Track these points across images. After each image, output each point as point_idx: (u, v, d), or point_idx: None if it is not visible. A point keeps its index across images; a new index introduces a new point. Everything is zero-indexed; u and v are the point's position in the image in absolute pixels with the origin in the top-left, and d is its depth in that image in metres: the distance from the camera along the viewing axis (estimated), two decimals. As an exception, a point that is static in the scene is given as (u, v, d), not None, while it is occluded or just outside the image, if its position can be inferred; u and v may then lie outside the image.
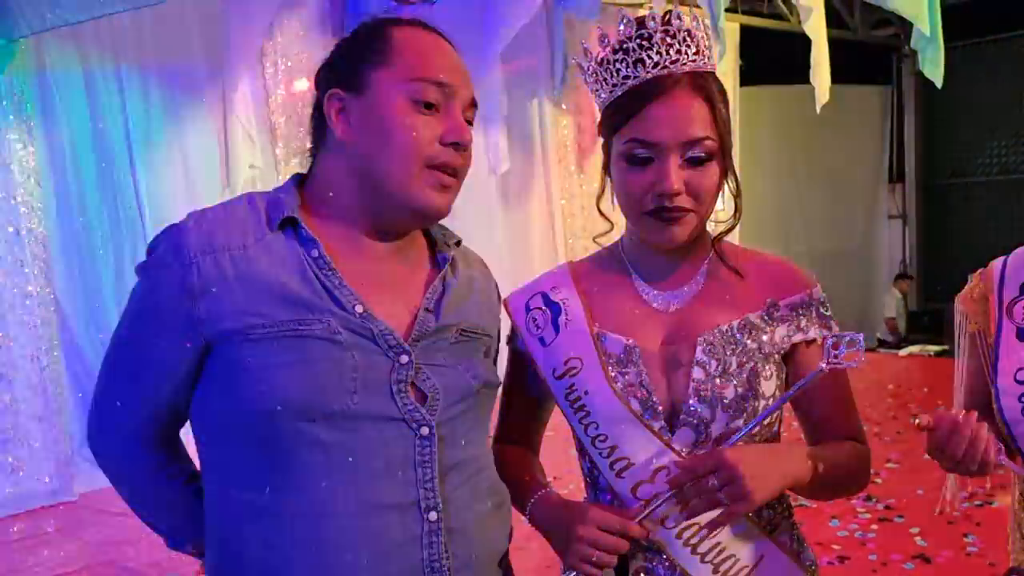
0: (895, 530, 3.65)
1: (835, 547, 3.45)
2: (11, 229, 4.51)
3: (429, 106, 1.07)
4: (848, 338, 1.09)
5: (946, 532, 3.54)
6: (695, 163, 1.14)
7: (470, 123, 1.12)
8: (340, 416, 1.02)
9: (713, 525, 1.10)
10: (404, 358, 1.06)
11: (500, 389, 1.28)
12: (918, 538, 3.54)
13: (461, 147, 1.09)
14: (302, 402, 1.01)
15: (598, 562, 1.11)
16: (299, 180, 1.15)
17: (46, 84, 4.70)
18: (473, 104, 1.13)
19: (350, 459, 1.03)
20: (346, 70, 1.10)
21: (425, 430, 1.06)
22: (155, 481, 1.16)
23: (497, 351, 1.27)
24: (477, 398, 1.15)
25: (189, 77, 5.15)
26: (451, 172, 1.09)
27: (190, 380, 1.07)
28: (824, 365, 1.10)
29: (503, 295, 1.30)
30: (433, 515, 1.06)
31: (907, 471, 4.31)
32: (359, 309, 1.05)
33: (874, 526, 3.69)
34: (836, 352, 1.09)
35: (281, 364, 1.01)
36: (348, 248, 1.09)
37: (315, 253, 1.06)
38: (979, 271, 1.37)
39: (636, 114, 1.14)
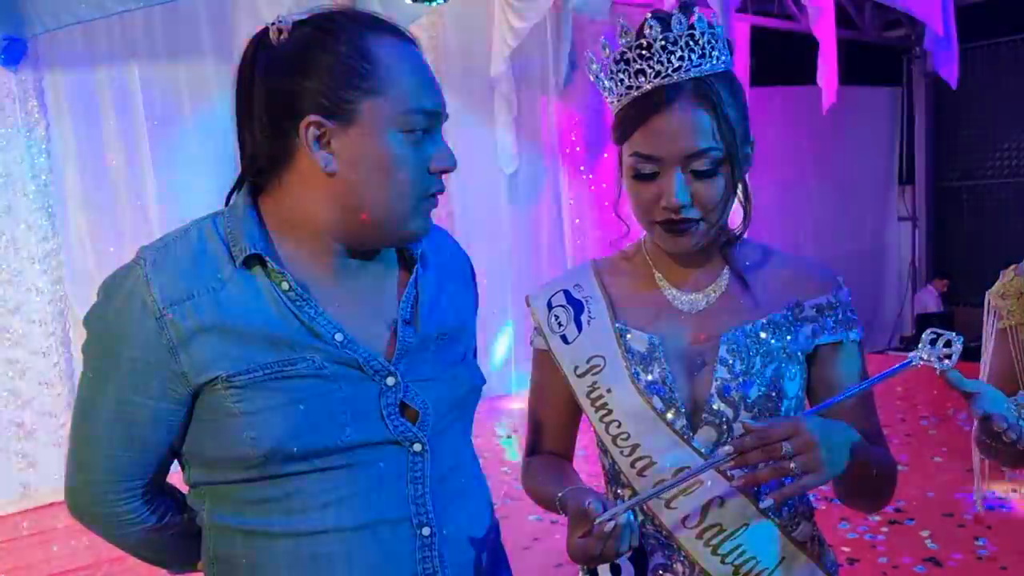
0: (905, 533, 3.63)
1: (845, 549, 3.43)
2: (23, 226, 4.54)
3: (420, 135, 1.02)
4: (947, 337, 1.04)
5: (957, 535, 3.53)
6: (701, 175, 1.12)
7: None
8: (334, 450, 1.01)
9: (781, 497, 1.02)
10: (391, 380, 1.04)
11: (527, 390, 1.27)
12: (928, 541, 3.52)
13: (447, 172, 1.05)
14: (294, 445, 0.99)
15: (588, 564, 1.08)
16: (252, 192, 1.07)
17: (58, 82, 4.72)
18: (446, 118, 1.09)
19: (343, 481, 1.02)
20: (328, 95, 0.99)
21: (418, 446, 1.06)
22: (158, 534, 1.13)
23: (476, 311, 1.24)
24: (466, 405, 1.14)
25: (200, 75, 5.17)
26: (439, 194, 1.07)
27: (184, 425, 1.04)
28: (920, 357, 1.04)
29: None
30: (426, 530, 1.06)
31: (917, 474, 4.29)
32: (339, 338, 1.02)
33: (884, 529, 3.67)
34: (932, 348, 1.04)
35: (269, 408, 0.99)
36: (317, 270, 1.05)
37: (285, 286, 1.01)
38: (1013, 267, 1.34)
39: (639, 127, 1.12)
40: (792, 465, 0.98)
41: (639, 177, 1.14)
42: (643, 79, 1.11)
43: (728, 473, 1.11)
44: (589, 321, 1.23)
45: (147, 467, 1.07)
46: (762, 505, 1.09)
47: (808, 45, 5.88)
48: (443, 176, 1.06)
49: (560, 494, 1.13)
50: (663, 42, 1.11)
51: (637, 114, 1.12)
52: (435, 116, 1.04)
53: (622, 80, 1.13)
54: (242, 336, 0.99)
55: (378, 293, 1.09)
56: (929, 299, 9.04)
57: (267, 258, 1.01)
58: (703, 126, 1.10)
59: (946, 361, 1.03)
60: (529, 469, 1.32)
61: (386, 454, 1.04)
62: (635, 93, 1.12)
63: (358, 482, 1.03)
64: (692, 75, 1.11)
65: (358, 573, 1.03)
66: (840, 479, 1.06)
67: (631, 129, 1.13)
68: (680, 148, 1.10)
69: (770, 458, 0.99)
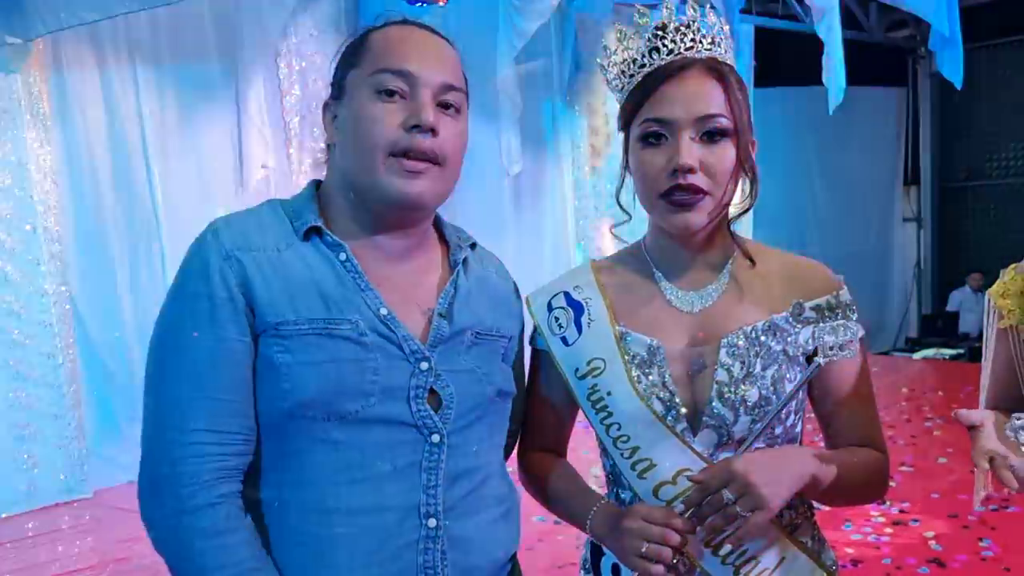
0: (909, 534, 3.63)
1: (849, 550, 3.43)
2: (28, 227, 4.54)
3: (391, 94, 1.08)
4: (821, 336, 1.14)
5: (961, 536, 3.52)
6: (709, 140, 1.14)
7: (451, 105, 1.11)
8: (355, 417, 1.03)
9: (738, 540, 1.09)
10: (424, 364, 1.08)
11: (524, 394, 1.28)
12: (933, 542, 3.52)
13: (423, 129, 1.07)
14: (321, 401, 1.02)
15: (649, 554, 1.08)
16: (316, 186, 1.18)
17: (62, 83, 4.73)
18: (451, 88, 1.11)
19: (357, 459, 1.04)
20: (335, 81, 1.15)
21: (436, 437, 1.07)
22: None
23: (520, 356, 1.27)
24: (490, 407, 1.15)
25: (204, 77, 5.18)
26: (417, 156, 1.07)
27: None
28: (821, 360, 1.13)
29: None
30: (432, 521, 1.06)
31: (921, 475, 4.29)
32: (383, 312, 1.07)
33: (888, 530, 3.67)
34: (827, 342, 1.13)
35: (307, 362, 1.03)
36: (366, 250, 1.11)
37: (343, 256, 1.09)
38: (1013, 266, 1.33)
39: (650, 96, 1.16)
40: (738, 508, 1.04)
41: (649, 144, 1.16)
42: (656, 55, 1.16)
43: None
44: (589, 323, 1.23)
45: (241, 432, 1.02)
46: (721, 552, 1.13)
47: (813, 45, 5.86)
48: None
49: (595, 508, 1.20)
50: (677, 23, 1.16)
51: (650, 84, 1.16)
52: (405, 77, 1.08)
53: (635, 60, 1.17)
54: (298, 287, 1.05)
55: (419, 286, 1.14)
56: (966, 296, 8.78)
57: (325, 231, 1.09)
58: (714, 94, 1.15)
59: (848, 349, 1.14)
60: (540, 473, 1.31)
61: (404, 439, 1.06)
62: (648, 69, 1.16)
63: (372, 465, 1.04)
64: (704, 55, 1.15)
65: (359, 557, 1.04)
66: (804, 492, 1.12)
67: (643, 100, 1.16)
68: (691, 110, 1.14)
69: (717, 509, 1.05)
